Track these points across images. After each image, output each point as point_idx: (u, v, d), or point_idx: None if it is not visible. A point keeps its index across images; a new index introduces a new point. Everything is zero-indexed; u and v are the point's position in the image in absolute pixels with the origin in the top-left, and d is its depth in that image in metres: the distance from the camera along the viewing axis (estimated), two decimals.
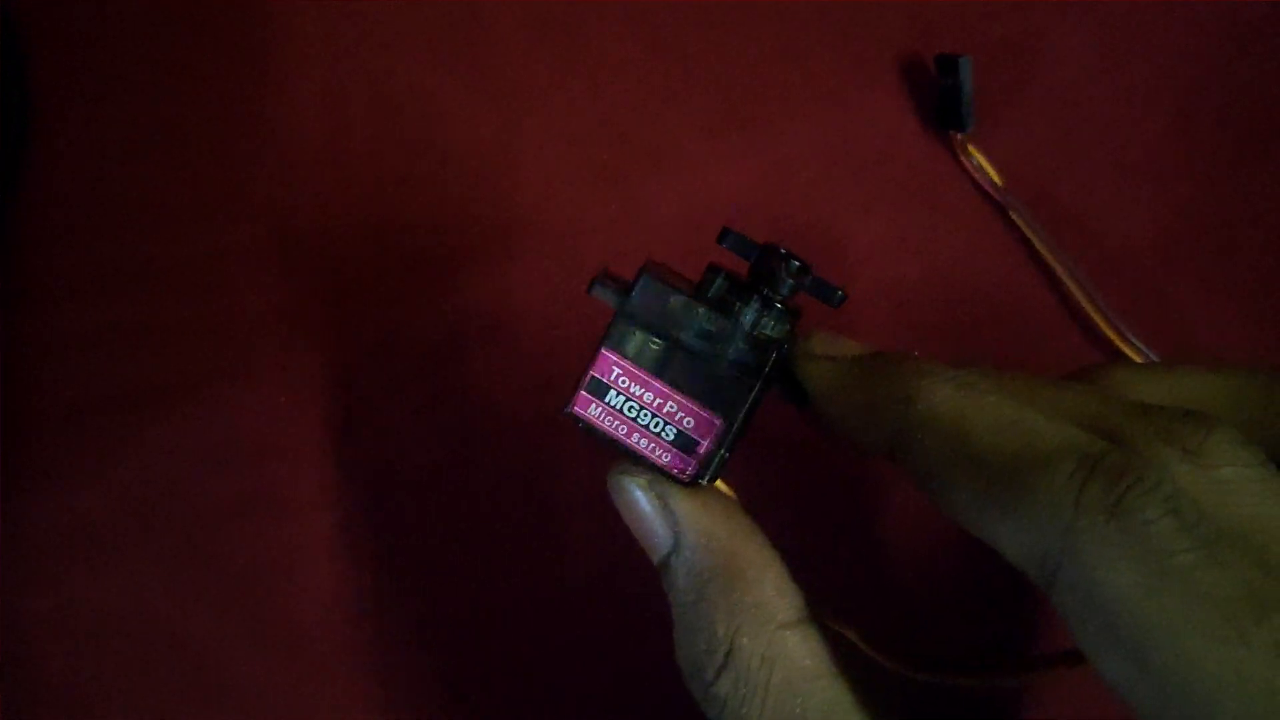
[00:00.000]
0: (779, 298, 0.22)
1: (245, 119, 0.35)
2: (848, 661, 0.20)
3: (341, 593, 0.33)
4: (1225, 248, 0.37)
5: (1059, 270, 0.35)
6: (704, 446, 0.22)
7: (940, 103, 0.36)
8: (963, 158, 0.36)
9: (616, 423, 0.22)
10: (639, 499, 0.21)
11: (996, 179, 0.35)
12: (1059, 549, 0.17)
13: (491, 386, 0.34)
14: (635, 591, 0.34)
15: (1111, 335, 0.35)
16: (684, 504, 0.21)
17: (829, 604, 0.24)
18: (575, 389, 0.22)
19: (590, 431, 0.22)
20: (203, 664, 0.33)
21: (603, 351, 0.22)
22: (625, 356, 0.21)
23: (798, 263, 0.22)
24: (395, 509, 0.34)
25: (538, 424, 0.34)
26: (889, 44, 0.37)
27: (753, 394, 0.21)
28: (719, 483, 0.23)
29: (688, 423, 0.21)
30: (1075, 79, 0.37)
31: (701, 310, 0.21)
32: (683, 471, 0.22)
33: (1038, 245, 0.35)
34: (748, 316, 0.21)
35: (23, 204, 0.34)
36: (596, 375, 0.22)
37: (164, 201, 0.35)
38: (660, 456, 0.22)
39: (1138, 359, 0.35)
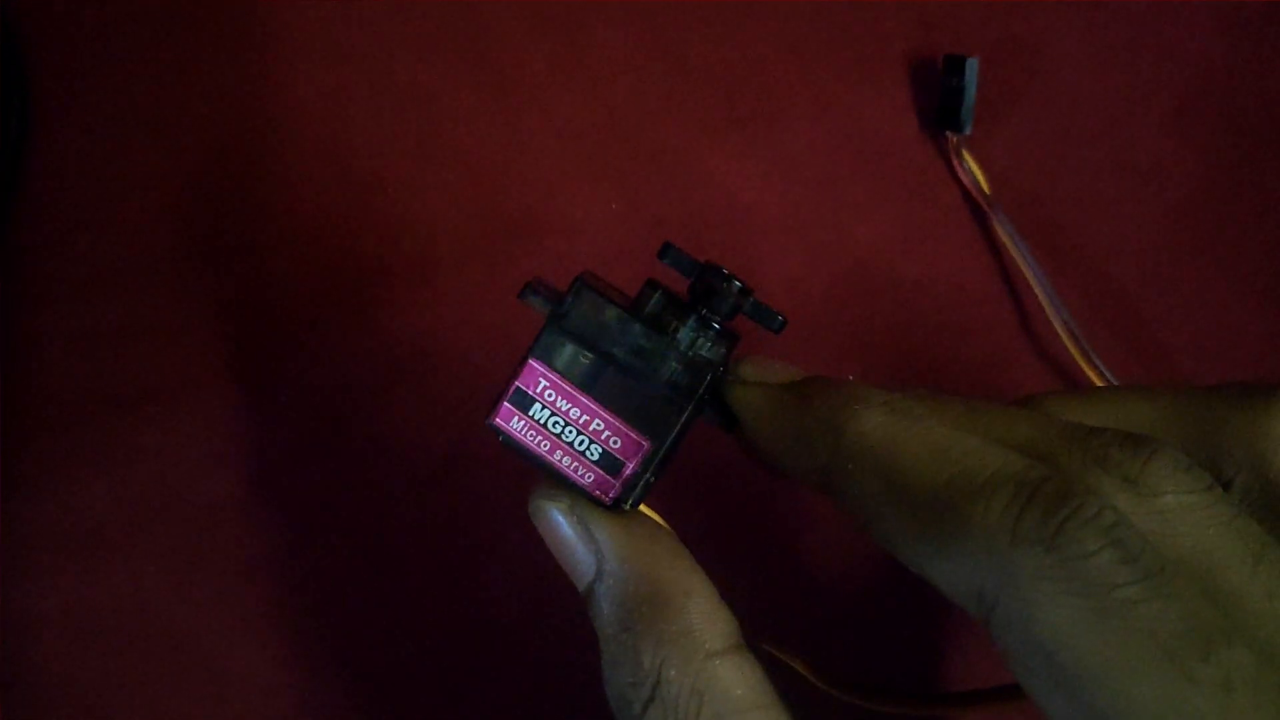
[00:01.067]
0: (717, 319, 0.20)
1: (245, 119, 0.35)
2: (783, 689, 0.19)
3: (341, 591, 0.33)
4: (1225, 248, 0.37)
5: (1033, 283, 0.35)
6: (629, 468, 0.20)
7: (942, 103, 0.36)
8: (956, 162, 0.36)
9: (539, 438, 0.21)
10: (559, 523, 0.21)
11: (985, 185, 0.35)
12: (996, 584, 0.16)
13: (490, 385, 0.34)
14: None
15: (1075, 353, 0.34)
16: (606, 528, 0.20)
17: (769, 632, 0.23)
18: (498, 400, 0.21)
19: (511, 446, 0.21)
20: (203, 663, 0.33)
21: (530, 362, 0.20)
22: (553, 369, 0.20)
23: (739, 284, 0.20)
24: (393, 507, 0.34)
25: None
26: (889, 44, 0.37)
27: (683, 416, 0.20)
28: (644, 508, 0.22)
29: (614, 442, 0.20)
30: (1075, 80, 0.37)
31: (637, 325, 0.20)
32: (605, 494, 0.21)
33: (1015, 256, 0.35)
34: (684, 336, 0.20)
35: (23, 204, 0.34)
36: (521, 386, 0.20)
37: (164, 201, 0.35)
38: (583, 476, 0.21)
39: (1097, 380, 0.34)
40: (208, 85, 0.35)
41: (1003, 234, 0.35)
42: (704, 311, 0.20)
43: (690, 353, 0.20)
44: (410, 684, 0.33)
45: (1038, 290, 0.34)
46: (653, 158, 0.36)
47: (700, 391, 0.20)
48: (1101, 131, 0.37)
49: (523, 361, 0.20)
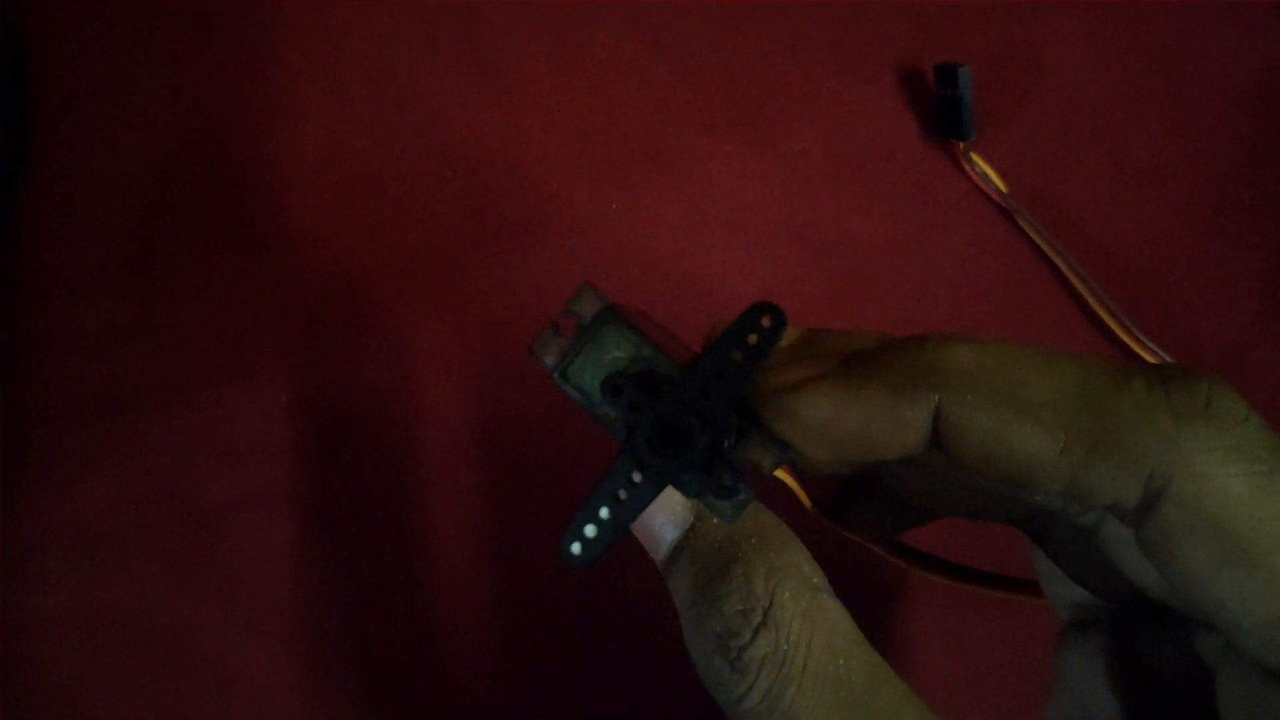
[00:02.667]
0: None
1: (246, 119, 0.35)
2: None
3: (341, 590, 0.33)
4: (1226, 247, 0.37)
5: (1067, 271, 0.35)
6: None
7: (941, 112, 0.36)
8: (966, 166, 0.36)
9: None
10: None
11: (1001, 185, 0.35)
12: (1166, 464, 0.16)
13: (491, 385, 0.34)
14: (631, 586, 0.34)
15: (1120, 333, 0.35)
16: None
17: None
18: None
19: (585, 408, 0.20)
20: (203, 662, 0.33)
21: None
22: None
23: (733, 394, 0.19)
24: (395, 508, 0.34)
25: (538, 423, 0.34)
26: (889, 45, 0.37)
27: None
28: None
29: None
30: (1075, 81, 0.37)
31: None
32: None
33: (1045, 248, 0.35)
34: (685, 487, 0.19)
35: (23, 203, 0.34)
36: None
37: (164, 201, 0.35)
38: None
39: (1149, 357, 0.35)
40: (208, 86, 0.35)
41: (1028, 227, 0.35)
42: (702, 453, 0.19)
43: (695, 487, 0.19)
44: (410, 683, 0.33)
45: (1071, 276, 0.35)
46: (653, 158, 0.36)
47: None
48: (1103, 133, 0.37)
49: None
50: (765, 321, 0.19)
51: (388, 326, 0.34)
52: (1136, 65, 0.37)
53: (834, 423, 0.19)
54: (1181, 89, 0.37)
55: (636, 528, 0.20)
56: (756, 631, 0.18)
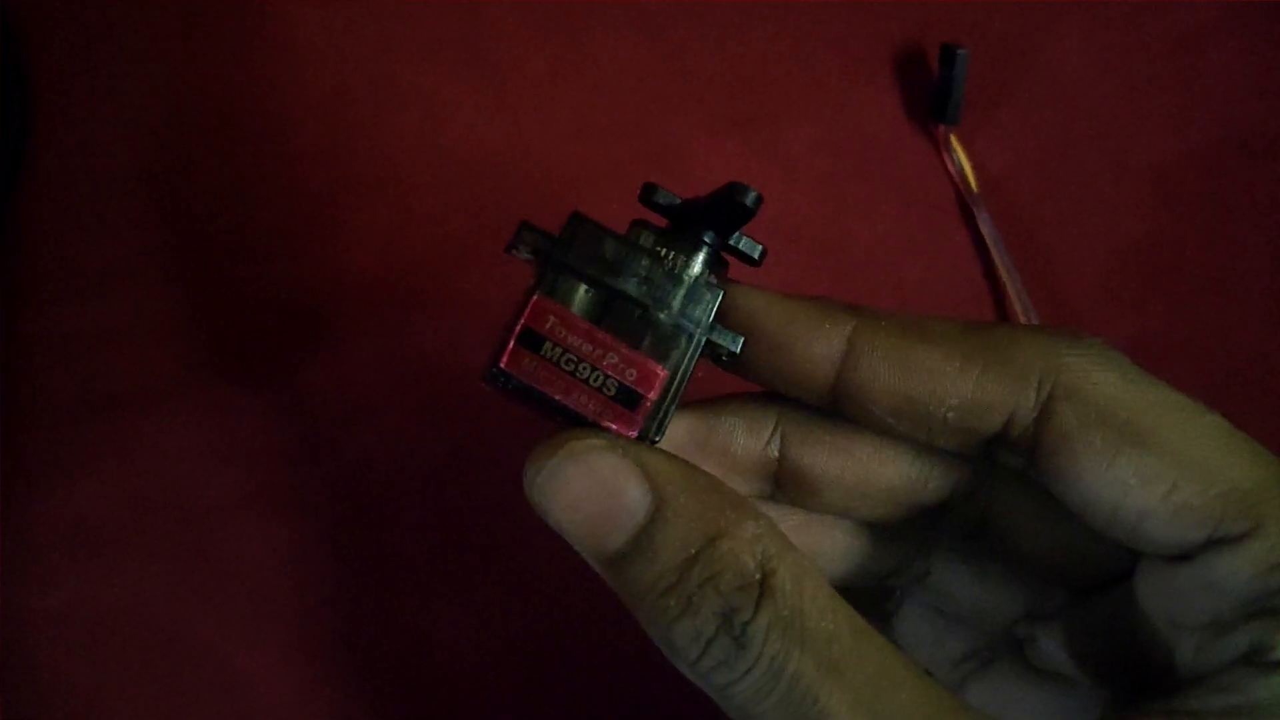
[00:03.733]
0: (713, 245, 0.20)
1: (247, 119, 0.35)
2: None
3: (341, 591, 0.33)
4: (1225, 247, 0.37)
5: (1006, 282, 0.35)
6: (649, 400, 0.19)
7: (934, 96, 0.36)
8: (945, 154, 0.36)
9: (552, 378, 0.19)
10: (601, 467, 0.19)
11: (972, 181, 0.35)
12: (1051, 370, 0.20)
13: (484, 392, 0.34)
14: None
15: None
16: (656, 458, 0.19)
17: None
18: (505, 342, 0.19)
19: (520, 392, 0.19)
20: (203, 662, 0.33)
21: (535, 298, 0.19)
22: (560, 303, 0.19)
23: (723, 216, 0.20)
24: (395, 508, 0.34)
25: (539, 422, 0.34)
26: (888, 44, 0.37)
27: (695, 341, 0.20)
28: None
29: (630, 374, 0.19)
30: (1067, 77, 0.37)
31: (638, 256, 0.20)
32: (629, 428, 0.19)
33: (993, 253, 0.35)
34: (688, 262, 0.20)
35: (23, 203, 0.34)
36: (530, 325, 0.19)
37: (163, 201, 0.35)
38: (602, 415, 0.19)
39: None
40: (208, 87, 0.35)
41: (984, 230, 0.35)
42: (707, 239, 0.20)
43: (692, 279, 0.20)
44: (410, 683, 0.33)
45: (1009, 287, 0.35)
46: (653, 158, 0.36)
47: (708, 316, 0.20)
48: (1093, 129, 0.37)
49: (527, 299, 0.19)
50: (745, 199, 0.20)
51: (388, 326, 0.34)
52: (1134, 63, 0.37)
53: (760, 316, 0.21)
54: (1181, 89, 0.37)
55: (583, 510, 0.19)
56: (759, 603, 0.17)
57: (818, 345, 0.21)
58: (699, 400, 0.23)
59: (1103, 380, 0.19)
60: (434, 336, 0.34)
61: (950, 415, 0.20)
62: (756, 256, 0.21)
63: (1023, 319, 0.35)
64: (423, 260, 0.35)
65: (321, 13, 0.35)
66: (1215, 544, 0.19)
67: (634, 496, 0.19)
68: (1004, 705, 0.24)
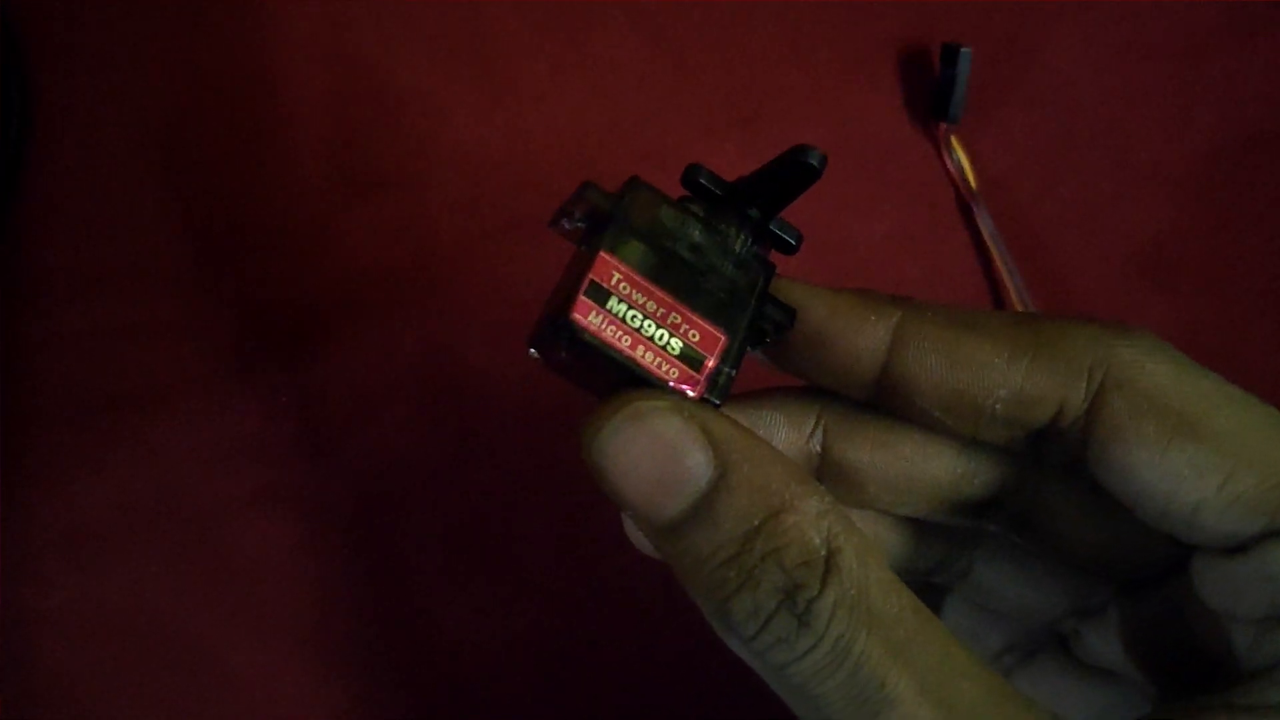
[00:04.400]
0: (760, 220, 0.21)
1: (247, 119, 0.35)
2: None
3: (342, 590, 0.33)
4: (1227, 247, 0.37)
5: (1006, 281, 0.35)
6: (711, 362, 0.19)
7: (934, 93, 0.36)
8: (944, 152, 0.36)
9: (619, 334, 0.19)
10: (665, 429, 0.18)
11: (971, 179, 0.35)
12: (1101, 360, 0.19)
13: (492, 385, 0.34)
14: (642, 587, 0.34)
15: None
16: (722, 423, 0.18)
17: None
18: (570, 295, 0.19)
19: (580, 350, 0.19)
20: (203, 662, 0.33)
21: (601, 253, 0.19)
22: (624, 261, 0.19)
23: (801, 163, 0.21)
24: (395, 507, 0.34)
25: (539, 422, 0.34)
26: (888, 44, 0.37)
27: (749, 310, 0.20)
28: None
29: (693, 336, 0.19)
30: (1069, 77, 0.37)
31: (697, 225, 0.20)
32: (693, 388, 0.19)
33: (993, 251, 0.35)
34: (738, 233, 0.20)
35: (23, 204, 0.34)
36: (596, 279, 0.19)
37: (163, 201, 0.34)
38: (667, 373, 0.19)
39: None
40: (208, 86, 0.35)
41: (983, 229, 0.35)
42: (754, 214, 0.20)
43: (743, 250, 0.20)
44: (413, 682, 0.33)
45: (1009, 286, 0.35)
46: (653, 158, 0.36)
47: (761, 285, 0.20)
48: (1095, 129, 0.37)
49: (594, 254, 0.19)
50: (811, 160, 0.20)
51: (388, 326, 0.34)
52: (1135, 63, 0.37)
53: (802, 309, 0.21)
54: (1182, 88, 0.37)
55: (643, 474, 0.18)
56: (825, 580, 0.17)
57: (863, 338, 0.21)
58: (739, 394, 0.23)
59: (1155, 371, 0.19)
60: (435, 336, 0.34)
61: (999, 407, 0.20)
62: (794, 242, 0.21)
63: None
64: (423, 260, 0.35)
65: (322, 13, 0.35)
66: (1272, 535, 0.18)
67: (697, 462, 0.18)
68: (1045, 700, 0.23)
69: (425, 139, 0.35)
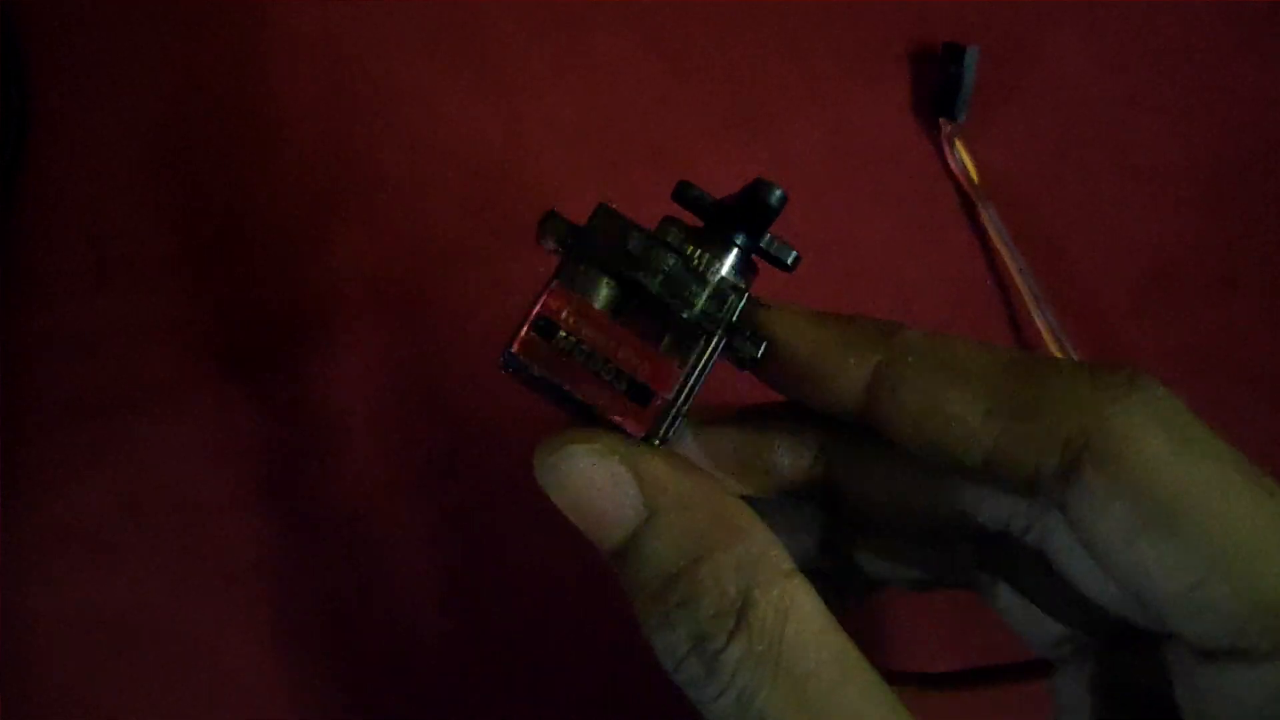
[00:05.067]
0: (743, 247, 0.20)
1: (246, 119, 0.35)
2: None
3: (340, 591, 0.33)
4: (1225, 247, 0.37)
5: (1016, 278, 0.35)
6: (659, 399, 0.19)
7: (938, 90, 0.36)
8: (947, 150, 0.36)
9: (563, 368, 0.19)
10: (596, 469, 0.19)
11: (974, 175, 0.35)
12: (1084, 428, 0.17)
13: (491, 385, 0.34)
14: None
15: (1050, 342, 0.34)
16: (655, 465, 0.19)
17: None
18: (518, 328, 0.19)
19: (531, 380, 0.19)
20: (203, 662, 0.33)
21: (553, 287, 0.19)
22: (578, 293, 0.19)
23: (773, 200, 0.20)
24: (393, 507, 0.34)
25: (538, 422, 0.34)
26: (889, 44, 0.37)
27: (713, 343, 0.19)
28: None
29: (644, 370, 0.19)
30: (1072, 76, 0.37)
31: (663, 252, 0.19)
32: (637, 427, 0.19)
33: (1000, 249, 0.35)
34: (714, 261, 0.20)
35: (22, 204, 0.34)
36: (544, 313, 0.19)
37: (161, 202, 0.34)
38: (611, 409, 0.19)
39: None
40: (208, 86, 0.35)
41: (990, 227, 0.35)
42: (737, 240, 0.20)
43: (718, 279, 0.20)
44: (410, 683, 0.33)
45: (1021, 285, 0.35)
46: (653, 158, 0.36)
47: (733, 316, 0.19)
48: (1098, 127, 0.37)
49: (545, 286, 0.19)
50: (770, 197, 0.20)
51: (387, 326, 0.34)
52: (1136, 63, 0.37)
53: (784, 344, 0.20)
54: (1181, 88, 0.37)
55: (581, 508, 0.19)
56: (731, 635, 0.17)
57: (842, 379, 0.20)
58: (745, 409, 0.23)
59: (1146, 447, 0.17)
60: (432, 336, 0.34)
61: (975, 463, 0.19)
62: (788, 262, 0.20)
63: (1034, 313, 0.35)
64: (422, 260, 0.35)
65: (321, 13, 0.35)
66: (1239, 653, 0.17)
67: (626, 504, 0.18)
68: (1096, 692, 0.23)
69: (423, 139, 0.35)
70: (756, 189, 0.19)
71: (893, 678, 0.24)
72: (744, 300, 0.20)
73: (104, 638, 0.33)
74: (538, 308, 0.19)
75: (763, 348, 0.20)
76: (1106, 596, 0.21)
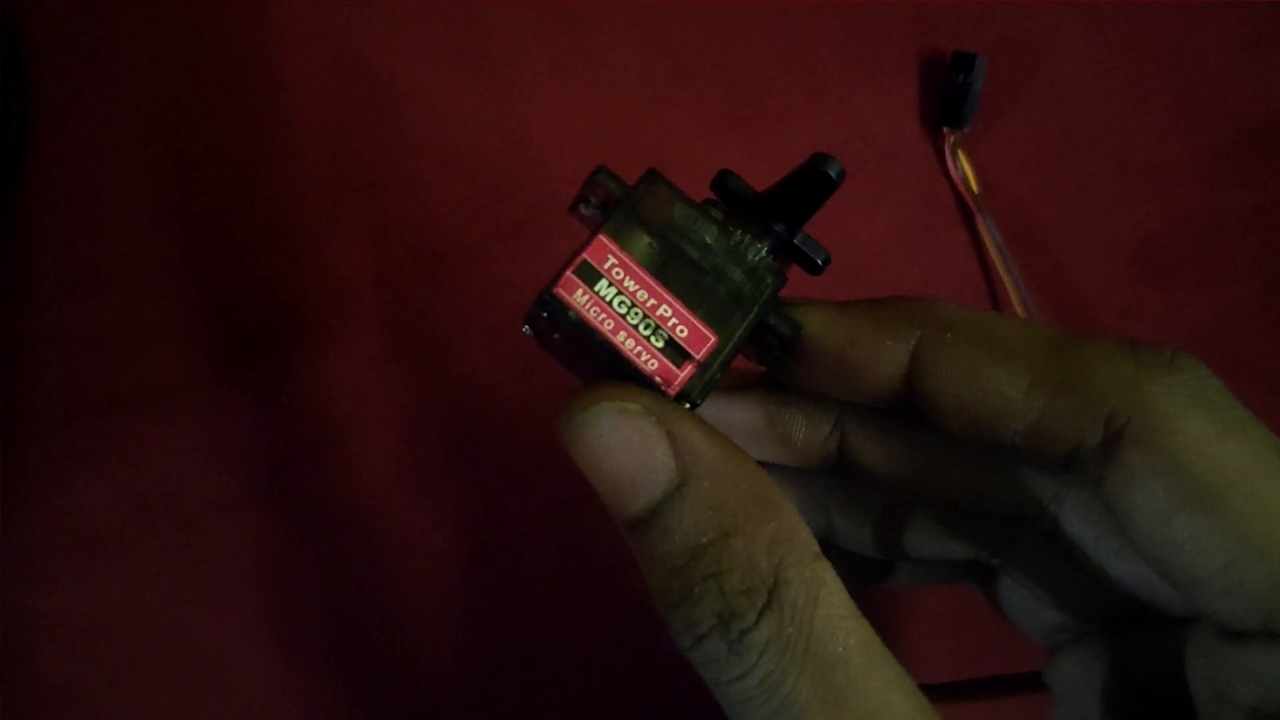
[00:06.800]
0: (784, 232, 0.20)
1: (246, 120, 0.35)
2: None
3: (340, 591, 0.33)
4: (1225, 247, 0.37)
5: (1009, 287, 0.35)
6: (694, 362, 0.19)
7: (944, 99, 0.36)
8: (949, 158, 0.36)
9: (603, 316, 0.19)
10: (628, 427, 0.18)
11: (974, 184, 0.35)
12: (1125, 405, 0.17)
13: (491, 385, 0.34)
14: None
15: None
16: (693, 430, 0.18)
17: None
18: (562, 270, 0.19)
19: (565, 328, 0.19)
20: (203, 662, 0.33)
21: (600, 236, 0.19)
22: (623, 248, 0.19)
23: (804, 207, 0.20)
24: (393, 507, 0.34)
25: (537, 423, 0.34)
26: (889, 44, 0.37)
27: (749, 317, 0.19)
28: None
29: (681, 331, 0.19)
30: (1075, 80, 0.37)
31: (708, 224, 0.20)
32: (669, 383, 0.19)
33: (994, 258, 0.35)
34: (757, 246, 0.20)
35: (23, 204, 0.34)
36: (589, 260, 0.19)
37: (162, 202, 0.34)
38: (646, 363, 0.19)
39: None
40: (208, 86, 0.35)
41: (985, 235, 0.35)
42: (775, 226, 0.20)
43: (756, 259, 0.20)
44: (410, 683, 0.33)
45: (1013, 294, 0.35)
46: (653, 158, 0.36)
47: (767, 296, 0.20)
48: (1100, 132, 0.37)
49: (593, 235, 0.19)
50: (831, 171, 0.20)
51: (387, 326, 0.34)
52: (1136, 63, 0.37)
53: (818, 338, 0.20)
54: (1181, 89, 0.37)
55: (605, 469, 0.18)
56: (761, 614, 0.16)
57: (882, 364, 0.20)
58: (763, 375, 0.23)
59: (1185, 427, 0.17)
60: (433, 336, 0.34)
61: (1018, 438, 0.19)
62: (819, 262, 0.21)
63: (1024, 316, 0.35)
64: (422, 260, 0.35)
65: (321, 13, 0.35)
66: (1267, 636, 0.17)
67: (658, 467, 0.18)
68: (1095, 677, 0.23)
69: (424, 139, 0.35)
70: (814, 163, 0.20)
71: None
72: (781, 283, 0.20)
73: (104, 638, 0.33)
74: (583, 254, 0.19)
75: (798, 330, 0.20)
76: (1124, 579, 0.21)
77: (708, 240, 0.20)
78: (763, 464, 0.20)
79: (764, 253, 0.20)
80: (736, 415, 0.23)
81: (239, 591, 0.33)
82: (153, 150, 0.35)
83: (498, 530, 0.34)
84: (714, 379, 0.19)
